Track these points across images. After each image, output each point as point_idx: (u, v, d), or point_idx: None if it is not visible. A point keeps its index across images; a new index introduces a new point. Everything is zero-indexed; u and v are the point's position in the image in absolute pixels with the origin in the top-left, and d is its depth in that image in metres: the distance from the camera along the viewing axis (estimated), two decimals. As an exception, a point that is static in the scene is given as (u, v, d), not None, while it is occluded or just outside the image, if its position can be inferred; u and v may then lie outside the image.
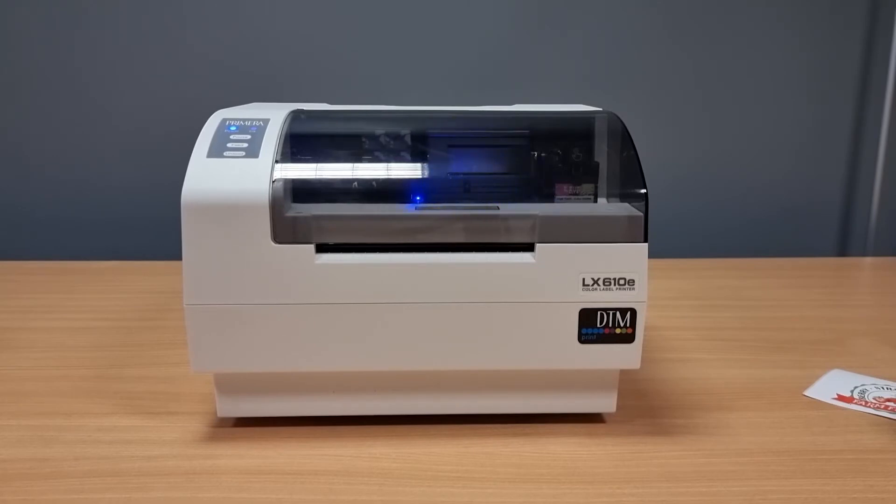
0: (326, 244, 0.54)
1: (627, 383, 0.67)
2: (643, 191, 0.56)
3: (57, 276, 1.00)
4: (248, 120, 0.58)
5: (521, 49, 1.10)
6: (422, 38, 1.09)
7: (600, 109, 0.67)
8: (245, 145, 0.55)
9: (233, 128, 0.57)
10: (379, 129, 0.66)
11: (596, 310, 0.55)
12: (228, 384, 0.57)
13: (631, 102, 1.12)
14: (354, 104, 0.71)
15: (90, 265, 1.06)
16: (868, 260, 1.15)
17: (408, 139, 0.65)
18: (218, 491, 0.50)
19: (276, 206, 0.53)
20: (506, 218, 0.56)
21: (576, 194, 0.63)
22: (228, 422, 0.59)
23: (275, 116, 0.59)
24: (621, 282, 0.55)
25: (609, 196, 0.63)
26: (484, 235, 0.55)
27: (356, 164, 0.62)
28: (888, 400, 0.64)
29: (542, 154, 0.64)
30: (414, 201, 0.58)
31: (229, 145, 0.55)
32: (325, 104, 0.71)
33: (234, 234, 0.53)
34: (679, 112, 1.14)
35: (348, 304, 0.54)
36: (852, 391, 0.66)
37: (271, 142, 0.56)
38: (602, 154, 0.63)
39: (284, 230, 0.53)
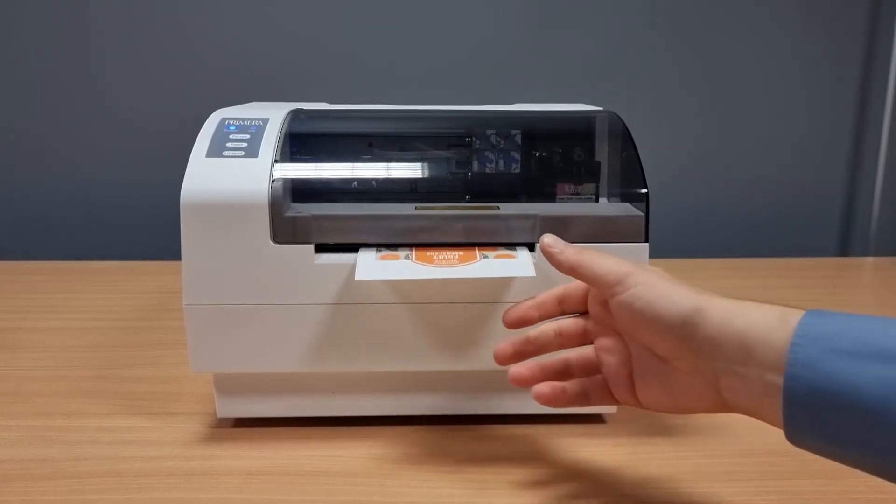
0: (326, 244, 0.54)
1: (628, 383, 0.67)
2: (644, 190, 0.56)
3: (57, 276, 1.00)
4: (247, 119, 0.58)
5: (521, 49, 1.10)
6: (422, 38, 1.09)
7: (601, 109, 0.67)
8: (244, 145, 0.55)
9: (232, 127, 0.57)
10: (378, 129, 0.66)
11: (596, 310, 0.55)
12: (228, 384, 0.57)
13: (631, 102, 1.12)
14: (354, 103, 0.71)
15: (90, 265, 1.06)
16: (869, 260, 1.15)
17: (407, 138, 0.65)
18: (217, 492, 0.50)
19: (275, 205, 0.53)
20: (506, 218, 0.55)
21: (577, 194, 0.63)
22: (228, 422, 0.59)
23: (274, 116, 0.59)
24: (622, 282, 0.55)
25: (610, 196, 0.62)
26: (484, 235, 0.55)
27: (356, 164, 0.62)
28: (889, 400, 0.64)
29: (543, 153, 0.64)
30: (414, 201, 0.58)
31: (228, 145, 0.55)
32: (324, 103, 0.71)
33: (233, 234, 0.53)
34: (680, 112, 1.14)
35: (348, 304, 0.54)
36: (853, 391, 0.65)
37: (271, 141, 0.56)
38: (603, 154, 0.63)
39: (284, 230, 0.53)
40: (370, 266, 0.51)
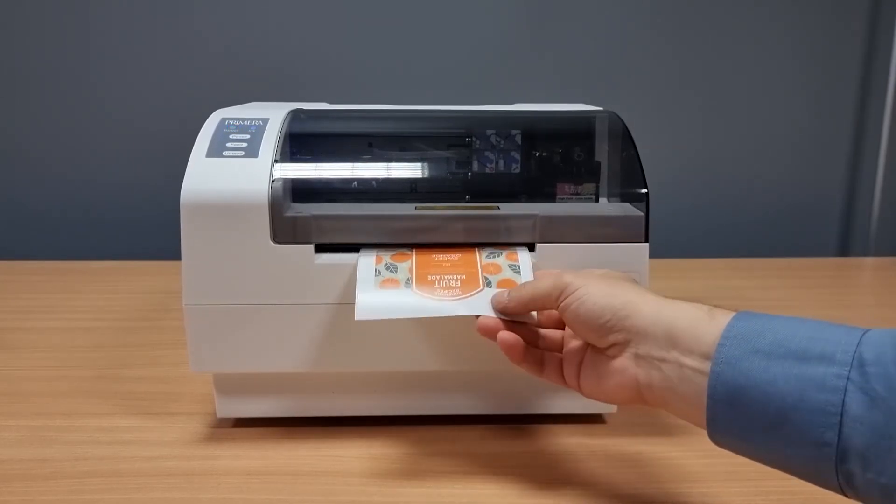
0: (326, 244, 0.54)
1: (628, 383, 0.67)
2: (644, 190, 0.56)
3: (57, 276, 1.00)
4: (247, 119, 0.58)
5: (521, 49, 1.10)
6: (422, 37, 1.09)
7: (601, 109, 0.67)
8: (244, 145, 0.55)
9: (232, 127, 0.57)
10: (378, 129, 0.66)
11: (596, 310, 0.55)
12: (227, 384, 0.57)
13: (631, 102, 1.12)
14: (354, 103, 0.71)
15: (90, 265, 1.06)
16: (869, 260, 1.15)
17: (408, 138, 0.64)
18: (217, 492, 0.50)
19: (275, 205, 0.53)
20: (506, 218, 0.55)
21: (577, 194, 0.63)
22: (228, 422, 0.59)
23: (274, 116, 0.59)
24: (622, 282, 0.55)
25: (610, 196, 0.62)
26: (484, 235, 0.55)
27: (356, 164, 0.62)
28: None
29: (543, 153, 0.64)
30: (414, 201, 0.58)
31: (228, 145, 0.55)
32: (324, 103, 0.71)
33: (233, 234, 0.53)
34: (680, 112, 1.14)
35: (348, 304, 0.54)
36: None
37: (271, 141, 0.56)
38: (603, 154, 0.63)
39: (284, 230, 0.53)
40: (370, 298, 0.50)
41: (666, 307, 0.43)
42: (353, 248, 0.54)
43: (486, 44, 1.10)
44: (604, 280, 0.46)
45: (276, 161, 0.54)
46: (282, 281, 0.54)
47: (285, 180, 0.54)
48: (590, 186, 0.63)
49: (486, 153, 0.64)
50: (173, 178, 0.55)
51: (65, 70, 1.08)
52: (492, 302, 0.50)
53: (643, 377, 0.43)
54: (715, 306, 0.42)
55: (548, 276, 0.48)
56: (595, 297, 0.45)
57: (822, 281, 1.03)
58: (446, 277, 0.52)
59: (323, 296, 0.54)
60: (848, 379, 0.35)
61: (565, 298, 0.46)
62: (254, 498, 0.49)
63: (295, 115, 0.60)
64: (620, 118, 0.62)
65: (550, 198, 0.63)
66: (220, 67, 1.08)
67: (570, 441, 0.57)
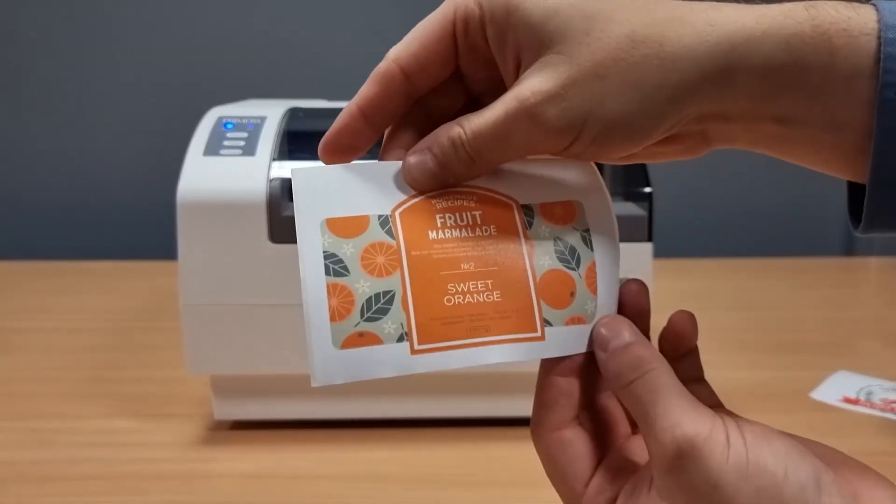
0: (325, 244, 0.54)
1: (631, 385, 0.66)
2: (648, 190, 0.56)
3: (55, 276, 0.99)
4: (244, 117, 0.57)
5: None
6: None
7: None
8: (242, 143, 0.55)
9: (229, 125, 0.56)
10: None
11: (599, 310, 0.54)
12: (225, 386, 0.57)
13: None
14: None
15: (88, 265, 1.05)
16: (874, 260, 1.14)
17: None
18: (215, 495, 0.49)
19: (273, 205, 0.52)
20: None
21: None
22: (225, 424, 0.58)
23: (272, 114, 0.58)
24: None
25: (613, 195, 0.62)
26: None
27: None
28: (894, 402, 0.63)
29: (544, 152, 0.63)
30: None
31: (226, 143, 0.55)
32: (322, 100, 0.70)
33: (230, 234, 0.52)
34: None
35: (347, 304, 0.53)
36: (858, 393, 0.65)
37: (268, 140, 0.55)
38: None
39: (282, 229, 0.53)
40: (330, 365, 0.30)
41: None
42: (352, 247, 0.54)
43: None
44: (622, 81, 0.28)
45: (273, 160, 0.54)
46: (280, 281, 0.53)
47: (283, 179, 0.54)
48: (592, 185, 0.62)
49: (487, 152, 0.63)
50: (170, 177, 0.55)
51: (60, 68, 1.08)
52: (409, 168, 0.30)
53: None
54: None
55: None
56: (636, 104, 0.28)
57: (828, 281, 1.02)
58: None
59: (321, 296, 0.53)
60: None
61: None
62: (252, 501, 0.49)
63: (293, 113, 0.60)
64: (623, 116, 0.61)
65: (552, 197, 0.62)
66: (217, 65, 1.08)
67: (572, 443, 0.56)
